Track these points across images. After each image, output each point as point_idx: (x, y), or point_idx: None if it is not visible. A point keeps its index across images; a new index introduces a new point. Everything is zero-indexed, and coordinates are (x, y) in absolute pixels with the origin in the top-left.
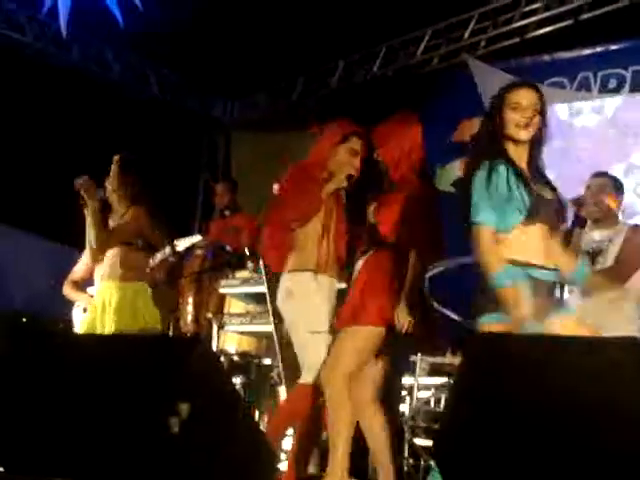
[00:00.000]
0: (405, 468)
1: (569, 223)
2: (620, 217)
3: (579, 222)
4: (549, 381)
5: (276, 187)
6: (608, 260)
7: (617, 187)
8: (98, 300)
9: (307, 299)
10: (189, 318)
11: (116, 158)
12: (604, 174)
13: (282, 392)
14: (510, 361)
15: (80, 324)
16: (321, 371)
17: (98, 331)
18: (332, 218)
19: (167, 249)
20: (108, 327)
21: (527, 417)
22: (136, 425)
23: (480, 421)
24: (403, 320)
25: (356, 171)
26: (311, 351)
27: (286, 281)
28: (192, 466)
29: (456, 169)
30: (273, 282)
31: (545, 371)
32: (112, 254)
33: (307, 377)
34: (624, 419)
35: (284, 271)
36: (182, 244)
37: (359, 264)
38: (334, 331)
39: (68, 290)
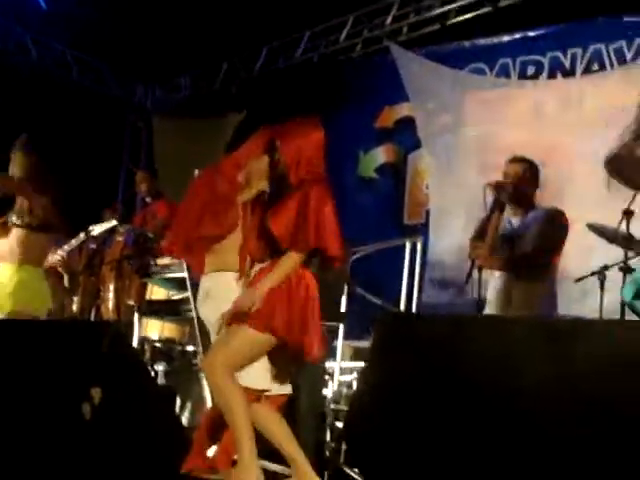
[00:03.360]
0: (327, 452)
1: (487, 208)
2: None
3: (498, 206)
4: (456, 360)
5: (197, 173)
6: (526, 246)
7: (533, 171)
8: None
9: (227, 299)
10: (110, 305)
11: (19, 140)
12: (521, 159)
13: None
14: (417, 340)
15: None
16: (203, 362)
17: None
18: (249, 223)
19: (81, 234)
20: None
21: (434, 395)
22: (49, 411)
23: (388, 401)
24: (241, 301)
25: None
26: None
27: (205, 282)
28: (105, 451)
29: (379, 155)
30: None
31: (452, 350)
32: (12, 236)
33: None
34: (527, 394)
35: (204, 273)
36: (97, 229)
37: (256, 269)
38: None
39: None
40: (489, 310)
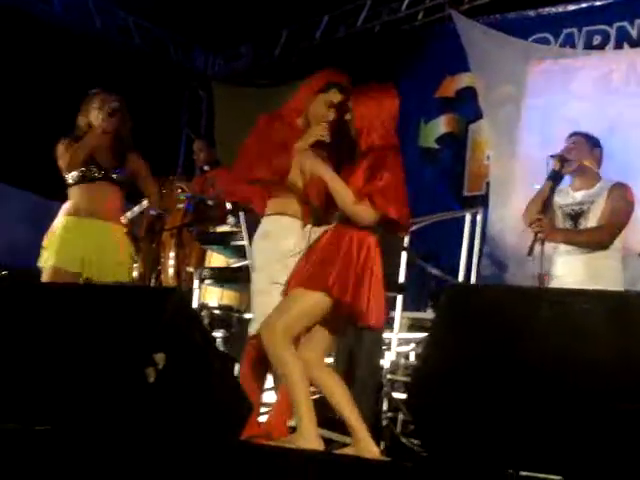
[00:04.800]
0: (384, 422)
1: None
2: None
3: (558, 178)
4: (522, 332)
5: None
6: (590, 221)
7: (593, 144)
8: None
9: (281, 241)
10: (170, 272)
11: (119, 98)
12: (579, 133)
13: None
14: (483, 312)
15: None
16: (261, 329)
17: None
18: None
19: (144, 202)
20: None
21: (500, 368)
22: (112, 375)
23: (452, 372)
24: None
25: (330, 124)
26: (267, 301)
27: (264, 223)
28: (168, 416)
29: (440, 125)
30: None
31: (518, 322)
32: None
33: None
34: (594, 368)
35: (264, 215)
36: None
37: (320, 231)
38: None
39: None
40: (557, 285)
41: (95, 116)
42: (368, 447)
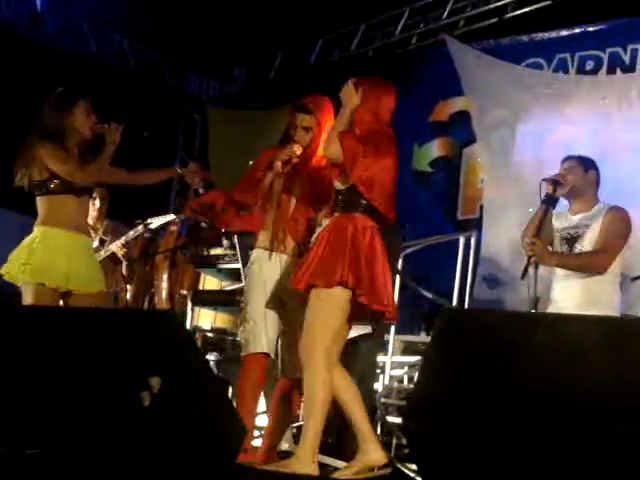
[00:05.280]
0: None
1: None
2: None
3: (551, 202)
4: (517, 357)
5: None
6: (585, 245)
7: (587, 167)
8: None
9: (259, 275)
10: (164, 295)
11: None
12: (572, 157)
13: None
14: (477, 337)
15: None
16: (303, 339)
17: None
18: (286, 196)
19: (139, 227)
20: None
21: (495, 392)
22: (108, 398)
23: (448, 396)
24: None
25: (296, 147)
26: (260, 321)
27: (251, 255)
28: (163, 440)
29: (434, 149)
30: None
31: (513, 347)
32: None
33: (257, 346)
34: (590, 393)
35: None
36: (155, 222)
37: (323, 225)
38: (291, 296)
39: None
40: (555, 309)
41: (82, 122)
42: (376, 452)
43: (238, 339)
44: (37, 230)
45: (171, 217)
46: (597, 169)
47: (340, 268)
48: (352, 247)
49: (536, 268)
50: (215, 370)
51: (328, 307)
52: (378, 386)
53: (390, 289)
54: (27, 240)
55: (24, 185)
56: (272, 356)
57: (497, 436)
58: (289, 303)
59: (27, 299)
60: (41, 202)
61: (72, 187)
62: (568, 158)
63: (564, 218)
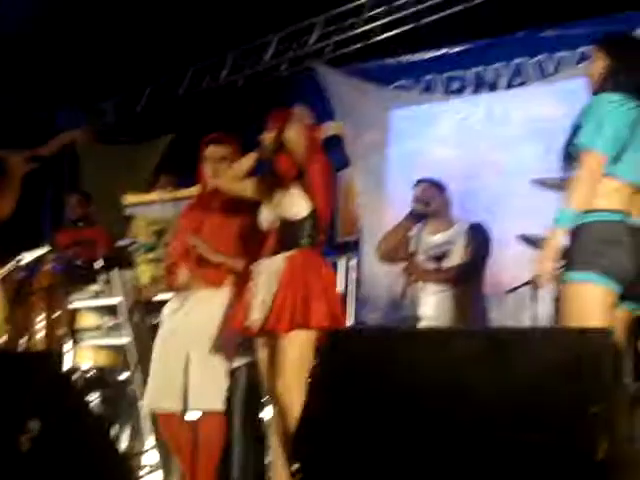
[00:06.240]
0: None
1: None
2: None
3: (412, 219)
4: (398, 374)
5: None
6: (454, 259)
7: (440, 188)
8: None
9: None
10: (41, 335)
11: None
12: (425, 180)
13: (141, 407)
14: (360, 356)
15: None
16: (278, 382)
17: None
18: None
19: (10, 263)
20: None
21: (379, 411)
22: None
23: (335, 416)
24: None
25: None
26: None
27: None
28: None
29: None
30: (132, 294)
31: (393, 364)
32: None
33: (215, 404)
34: (473, 408)
35: None
36: (29, 256)
37: (278, 263)
38: (269, 336)
39: None
40: (428, 324)
41: None
42: None
43: (121, 378)
44: None
45: (45, 249)
46: (447, 190)
47: (327, 311)
48: (326, 287)
49: (413, 286)
50: (98, 409)
51: (309, 351)
52: (265, 414)
53: None
54: None
55: None
56: None
57: (387, 452)
58: None
59: None
60: None
61: None
62: (421, 181)
63: (424, 238)
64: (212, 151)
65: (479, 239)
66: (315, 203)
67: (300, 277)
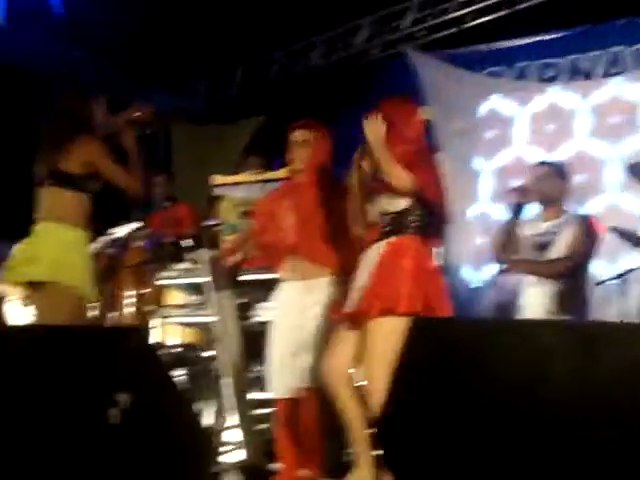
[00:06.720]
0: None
1: (511, 212)
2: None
3: (519, 210)
4: (484, 365)
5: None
6: (553, 252)
7: (561, 174)
8: None
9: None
10: (129, 311)
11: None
12: (547, 163)
13: (225, 384)
14: (449, 345)
15: None
16: (365, 368)
17: None
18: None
19: (103, 238)
20: None
21: (467, 400)
22: (75, 416)
23: (419, 406)
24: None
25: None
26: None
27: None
28: (132, 456)
29: None
30: (218, 273)
31: (484, 354)
32: None
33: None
34: (558, 401)
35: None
36: (120, 231)
37: (378, 249)
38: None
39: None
40: (524, 315)
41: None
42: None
43: (207, 354)
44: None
45: (136, 225)
46: (568, 177)
47: (413, 298)
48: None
49: (507, 275)
50: (184, 385)
51: (398, 342)
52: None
53: None
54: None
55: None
56: None
57: (469, 443)
58: None
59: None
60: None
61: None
62: (541, 164)
63: (534, 225)
64: (297, 135)
65: (587, 232)
66: (421, 188)
67: (394, 262)
